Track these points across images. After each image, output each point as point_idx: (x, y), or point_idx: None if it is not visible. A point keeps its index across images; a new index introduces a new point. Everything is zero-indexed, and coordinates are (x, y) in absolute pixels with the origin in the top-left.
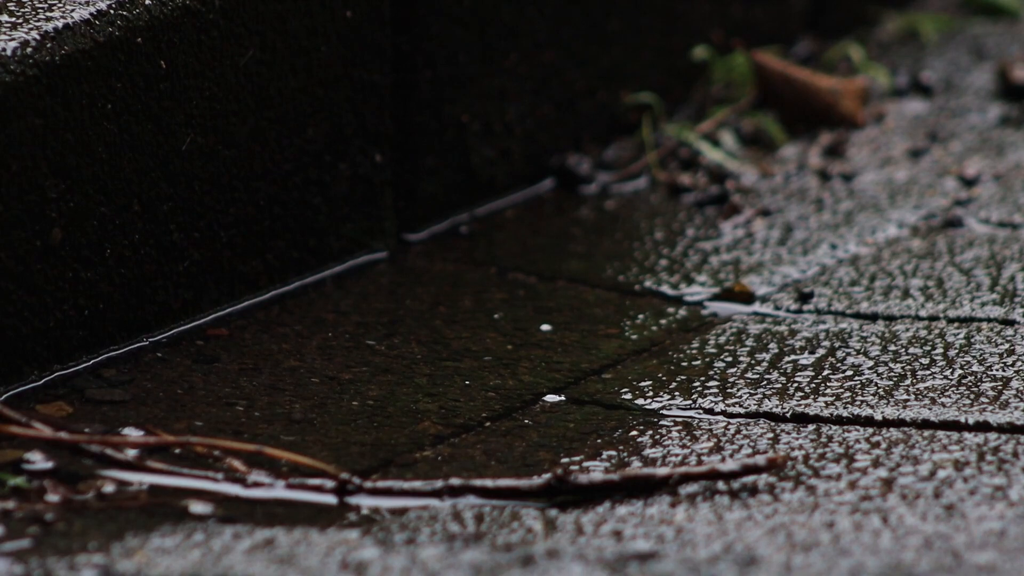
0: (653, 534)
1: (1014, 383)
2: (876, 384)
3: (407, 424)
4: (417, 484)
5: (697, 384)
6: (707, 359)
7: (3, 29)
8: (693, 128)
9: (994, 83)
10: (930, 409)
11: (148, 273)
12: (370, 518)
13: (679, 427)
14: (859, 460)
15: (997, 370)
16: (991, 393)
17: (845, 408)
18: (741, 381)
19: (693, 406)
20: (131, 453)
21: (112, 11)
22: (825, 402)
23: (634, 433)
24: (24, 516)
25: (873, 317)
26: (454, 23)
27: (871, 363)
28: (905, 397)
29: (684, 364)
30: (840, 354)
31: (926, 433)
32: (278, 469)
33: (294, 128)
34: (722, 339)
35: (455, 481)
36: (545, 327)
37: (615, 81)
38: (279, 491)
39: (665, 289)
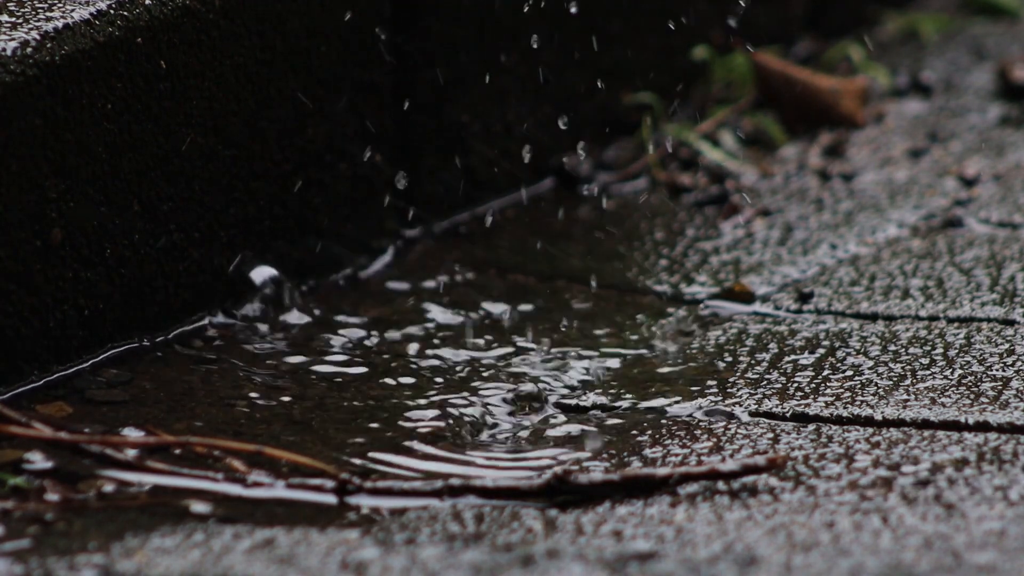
0: (653, 534)
1: (1014, 383)
2: (876, 384)
3: (408, 424)
4: (417, 484)
5: (697, 384)
6: (707, 359)
7: (3, 29)
8: (693, 128)
9: (994, 83)
10: (930, 409)
11: (148, 273)
12: (370, 518)
13: (679, 427)
14: (859, 460)
15: (997, 370)
16: (991, 393)
17: (845, 408)
18: (741, 381)
19: (693, 406)
20: (131, 453)
21: (112, 11)
22: (825, 402)
23: (634, 433)
24: (24, 516)
25: (873, 317)
26: (454, 23)
27: (871, 363)
28: (905, 397)
29: (684, 364)
30: (840, 354)
31: (926, 433)
32: (278, 469)
33: (294, 128)
34: (722, 339)
35: (455, 481)
36: (545, 327)
37: (615, 81)
38: (279, 491)
39: (665, 289)
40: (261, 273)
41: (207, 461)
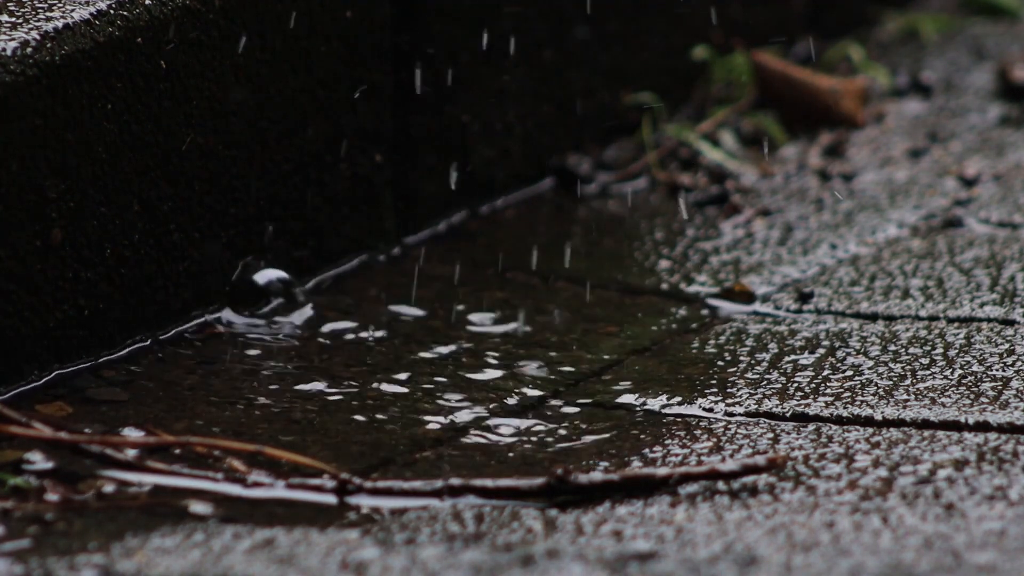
0: (653, 534)
1: (1014, 383)
2: (876, 384)
3: (407, 424)
4: (417, 484)
5: (697, 384)
6: (707, 359)
7: (3, 29)
8: (693, 128)
9: (994, 83)
10: (930, 409)
11: (148, 273)
12: (370, 518)
13: (679, 427)
14: (859, 460)
15: (997, 370)
16: (991, 393)
17: (845, 408)
18: (741, 381)
19: (693, 406)
20: (131, 453)
21: (112, 11)
22: (825, 402)
23: (634, 433)
24: (24, 516)
25: (873, 317)
26: (454, 23)
27: (871, 363)
28: (905, 397)
29: (684, 364)
30: (840, 354)
31: (926, 433)
32: (278, 469)
33: (294, 128)
34: (722, 339)
35: (455, 481)
36: (545, 327)
37: (615, 81)
38: (279, 491)
39: (665, 289)
40: (266, 275)
41: (207, 461)
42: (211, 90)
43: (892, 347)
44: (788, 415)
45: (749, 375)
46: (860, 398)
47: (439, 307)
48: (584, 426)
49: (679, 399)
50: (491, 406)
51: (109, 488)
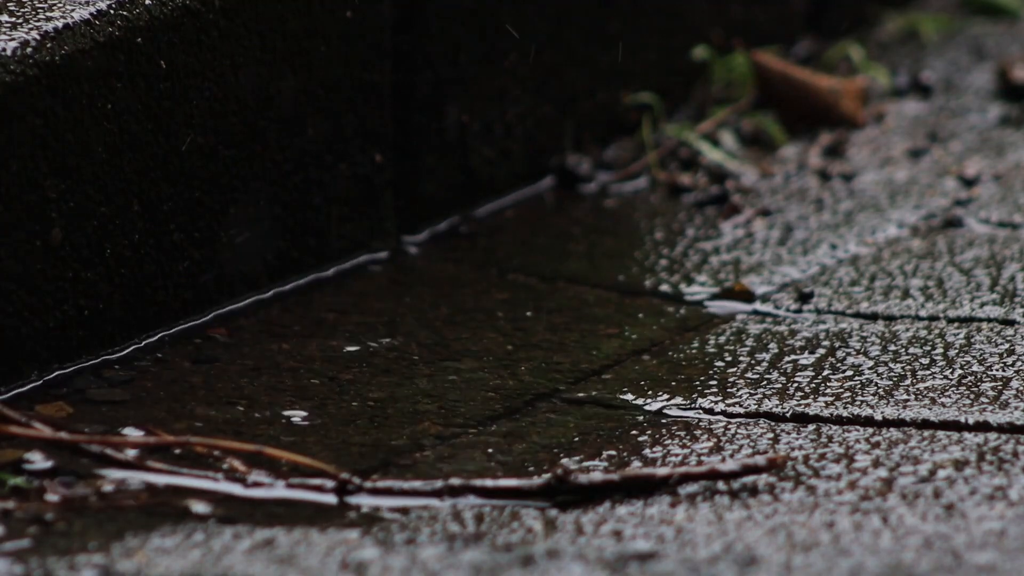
0: (653, 534)
1: (1014, 383)
2: (876, 384)
3: (407, 424)
4: (417, 484)
5: (697, 384)
6: (707, 359)
7: (3, 29)
8: (693, 128)
9: (994, 83)
10: (930, 409)
11: (148, 273)
12: (370, 518)
13: (679, 427)
14: (859, 460)
15: (997, 370)
16: (991, 393)
17: (845, 408)
18: (741, 381)
19: (693, 406)
20: (131, 453)
21: (112, 11)
22: (825, 402)
23: (634, 433)
24: (24, 516)
25: (873, 317)
26: (454, 23)
27: (871, 363)
28: (905, 397)
29: (684, 364)
30: (840, 354)
31: (926, 433)
32: (278, 469)
33: (294, 128)
34: (722, 339)
35: (455, 481)
36: (545, 327)
37: (615, 81)
38: (279, 491)
39: (665, 289)
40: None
41: (207, 461)
42: (211, 90)
43: (892, 347)
44: (788, 415)
45: (749, 375)
46: (860, 398)
47: (439, 307)
48: (584, 426)
49: (679, 399)
50: (491, 406)
51: (109, 488)
